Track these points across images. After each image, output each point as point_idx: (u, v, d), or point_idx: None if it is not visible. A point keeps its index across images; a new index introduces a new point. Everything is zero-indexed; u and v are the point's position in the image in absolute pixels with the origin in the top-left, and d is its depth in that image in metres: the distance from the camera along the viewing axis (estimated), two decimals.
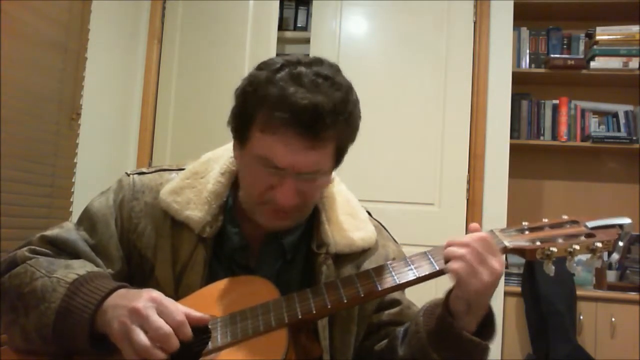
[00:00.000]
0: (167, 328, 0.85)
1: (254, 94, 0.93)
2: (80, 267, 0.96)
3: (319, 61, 0.96)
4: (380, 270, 0.94)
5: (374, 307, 1.08)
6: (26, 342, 0.95)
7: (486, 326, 0.94)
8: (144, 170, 1.14)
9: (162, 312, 0.87)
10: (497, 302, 2.71)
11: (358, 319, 1.06)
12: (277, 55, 3.00)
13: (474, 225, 0.94)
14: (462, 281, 0.88)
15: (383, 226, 1.18)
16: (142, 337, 0.84)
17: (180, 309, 0.89)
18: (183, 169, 1.12)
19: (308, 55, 0.99)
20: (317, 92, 0.90)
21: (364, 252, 1.08)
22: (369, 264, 1.05)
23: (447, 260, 0.90)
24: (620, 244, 0.88)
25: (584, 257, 0.91)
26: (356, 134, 0.99)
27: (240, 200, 1.05)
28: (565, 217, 0.95)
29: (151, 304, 0.87)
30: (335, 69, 0.97)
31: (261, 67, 0.97)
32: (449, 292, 0.93)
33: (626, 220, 0.89)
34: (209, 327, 0.92)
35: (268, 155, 0.93)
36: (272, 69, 0.93)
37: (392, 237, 1.17)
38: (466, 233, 0.93)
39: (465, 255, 0.88)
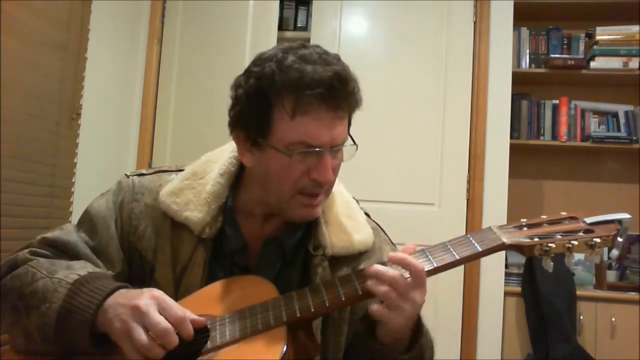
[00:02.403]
0: (166, 324, 0.86)
1: (271, 85, 0.93)
2: (81, 268, 0.97)
3: (303, 45, 0.98)
4: None
5: (363, 312, 1.08)
6: (28, 342, 0.95)
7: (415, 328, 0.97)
8: (144, 171, 1.14)
9: (163, 309, 0.87)
10: (497, 302, 2.72)
11: (349, 321, 1.06)
12: None
13: (409, 246, 0.94)
14: (385, 321, 0.90)
15: (381, 228, 1.17)
16: (142, 335, 0.85)
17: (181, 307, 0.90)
18: (182, 170, 1.12)
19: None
20: (331, 64, 0.94)
21: (360, 255, 1.08)
22: (364, 267, 1.05)
23: (368, 294, 0.91)
24: (620, 239, 0.88)
25: (583, 255, 0.91)
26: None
27: (242, 203, 1.06)
28: (563, 213, 0.95)
29: (152, 301, 0.88)
30: (319, 46, 0.99)
31: (258, 63, 0.97)
32: (371, 325, 0.95)
33: (625, 216, 0.89)
34: (208, 326, 0.93)
35: (304, 137, 0.93)
36: (277, 58, 0.94)
37: (389, 239, 1.17)
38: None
39: (388, 294, 0.88)
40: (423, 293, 0.90)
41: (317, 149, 0.94)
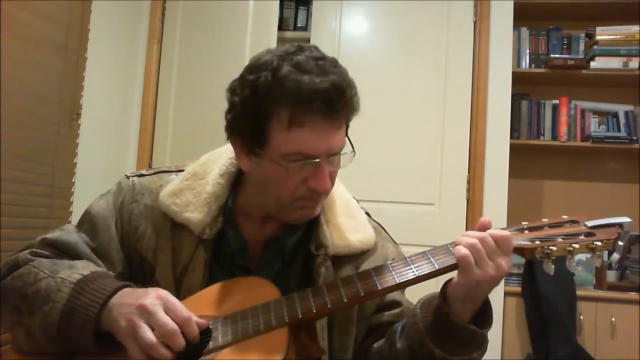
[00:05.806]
0: (173, 325, 0.86)
1: (267, 97, 0.92)
2: (84, 268, 0.97)
3: (300, 48, 0.96)
4: (380, 270, 0.95)
5: (373, 309, 1.08)
6: (30, 342, 0.95)
7: (482, 316, 0.95)
8: (144, 172, 1.14)
9: (169, 309, 0.88)
10: (497, 302, 2.72)
11: (357, 321, 1.06)
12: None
13: (485, 219, 0.93)
14: (465, 268, 0.88)
15: (382, 227, 1.17)
16: (148, 333, 0.85)
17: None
18: (182, 171, 1.12)
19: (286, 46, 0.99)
20: (326, 73, 0.92)
21: (362, 254, 1.08)
22: (367, 265, 1.05)
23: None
24: (620, 243, 0.88)
25: (584, 256, 0.91)
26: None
27: (242, 204, 1.06)
28: (565, 217, 0.95)
29: (158, 301, 0.88)
30: (316, 48, 0.98)
31: (252, 70, 0.95)
32: (447, 282, 0.94)
33: (626, 220, 0.89)
34: (210, 326, 0.93)
35: (301, 148, 0.93)
36: (272, 67, 0.92)
37: (391, 238, 1.17)
38: (477, 226, 0.93)
39: (475, 245, 0.88)
40: (508, 262, 0.89)
41: (314, 160, 0.94)
